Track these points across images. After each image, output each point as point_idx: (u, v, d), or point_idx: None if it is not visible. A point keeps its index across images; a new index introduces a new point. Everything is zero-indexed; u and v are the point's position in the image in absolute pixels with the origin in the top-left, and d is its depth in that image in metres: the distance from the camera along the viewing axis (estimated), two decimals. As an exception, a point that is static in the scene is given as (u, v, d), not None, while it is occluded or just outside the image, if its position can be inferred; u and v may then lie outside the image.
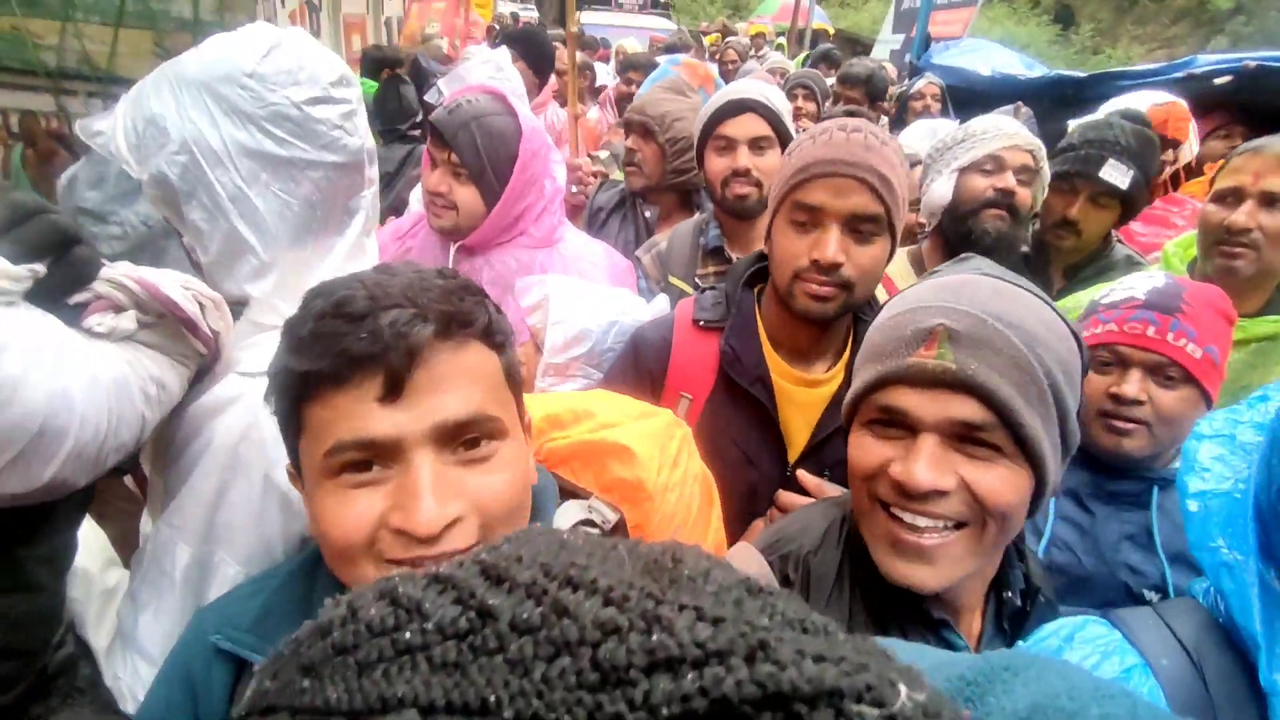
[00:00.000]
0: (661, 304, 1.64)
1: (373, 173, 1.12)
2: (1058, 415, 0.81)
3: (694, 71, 2.81)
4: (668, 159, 2.23)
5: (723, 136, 1.90)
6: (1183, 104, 2.79)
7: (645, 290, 1.92)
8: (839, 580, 0.94)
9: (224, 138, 0.96)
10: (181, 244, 1.07)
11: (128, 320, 0.85)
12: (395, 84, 4.00)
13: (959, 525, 0.81)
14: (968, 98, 3.86)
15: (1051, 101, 3.65)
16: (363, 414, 0.64)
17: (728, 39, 10.06)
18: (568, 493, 0.90)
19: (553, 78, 4.04)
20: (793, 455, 1.32)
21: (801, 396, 1.32)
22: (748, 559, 0.97)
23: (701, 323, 1.37)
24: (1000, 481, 0.79)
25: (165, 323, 0.89)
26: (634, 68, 4.14)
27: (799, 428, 1.33)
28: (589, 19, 12.80)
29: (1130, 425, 1.23)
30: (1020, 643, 0.90)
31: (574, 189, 2.30)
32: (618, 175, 2.80)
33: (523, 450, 0.74)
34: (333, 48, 4.86)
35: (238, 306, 1.04)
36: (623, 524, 0.91)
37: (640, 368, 1.40)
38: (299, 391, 0.67)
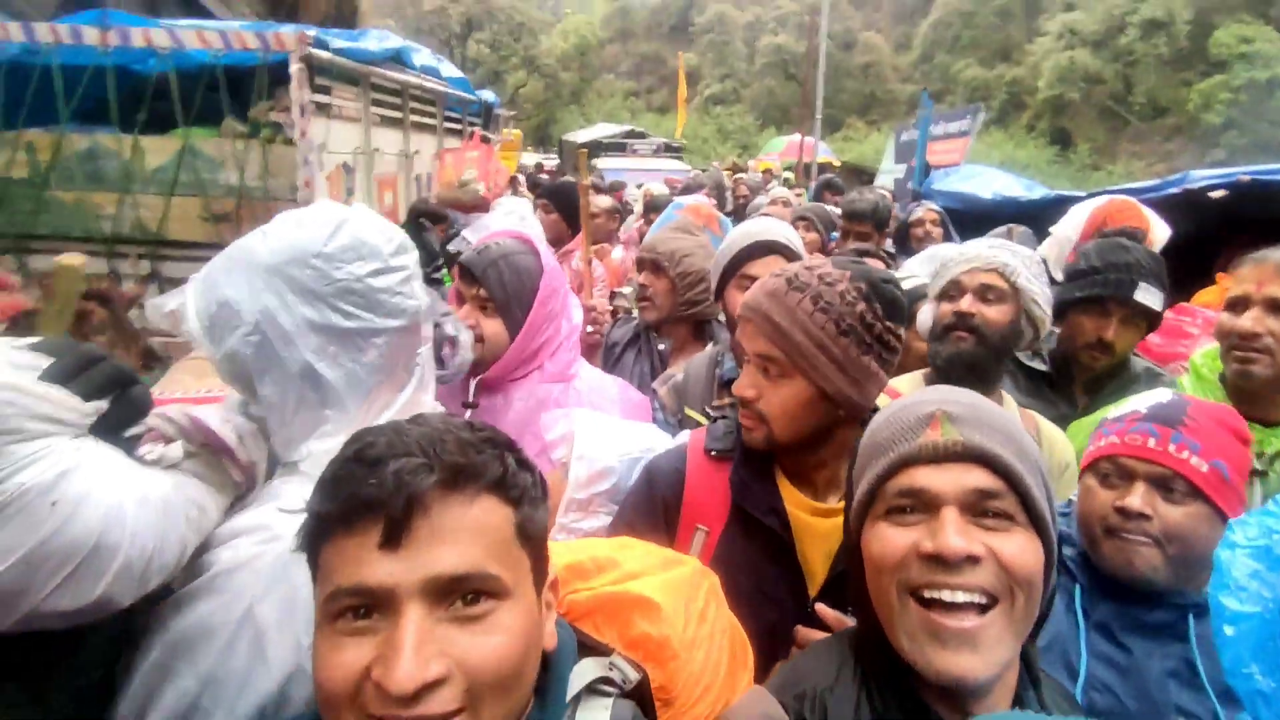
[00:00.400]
0: (684, 440, 1.64)
1: (428, 330, 1.19)
2: (1047, 499, 0.88)
3: (698, 212, 3.00)
4: (679, 292, 2.32)
5: (748, 275, 2.00)
6: (1121, 198, 3.01)
7: (662, 423, 1.92)
8: (857, 715, 0.91)
9: (294, 317, 1.02)
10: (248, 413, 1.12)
11: (175, 450, 0.95)
12: (419, 230, 4.35)
13: (991, 601, 0.83)
14: (972, 220, 3.98)
15: (1053, 221, 3.75)
16: (363, 560, 0.64)
17: (737, 175, 10.69)
18: (588, 649, 0.85)
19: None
20: (813, 589, 1.27)
21: (818, 527, 1.28)
22: (760, 702, 0.93)
23: (713, 452, 1.37)
24: (1021, 549, 0.83)
25: (206, 452, 0.99)
26: (655, 209, 4.42)
27: (817, 560, 1.28)
28: (607, 164, 13.74)
29: (1138, 540, 1.17)
30: None
31: (589, 329, 2.38)
32: None
33: (528, 613, 0.70)
34: (366, 202, 5.24)
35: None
36: (645, 684, 0.86)
37: (654, 498, 1.37)
38: (316, 533, 0.68)
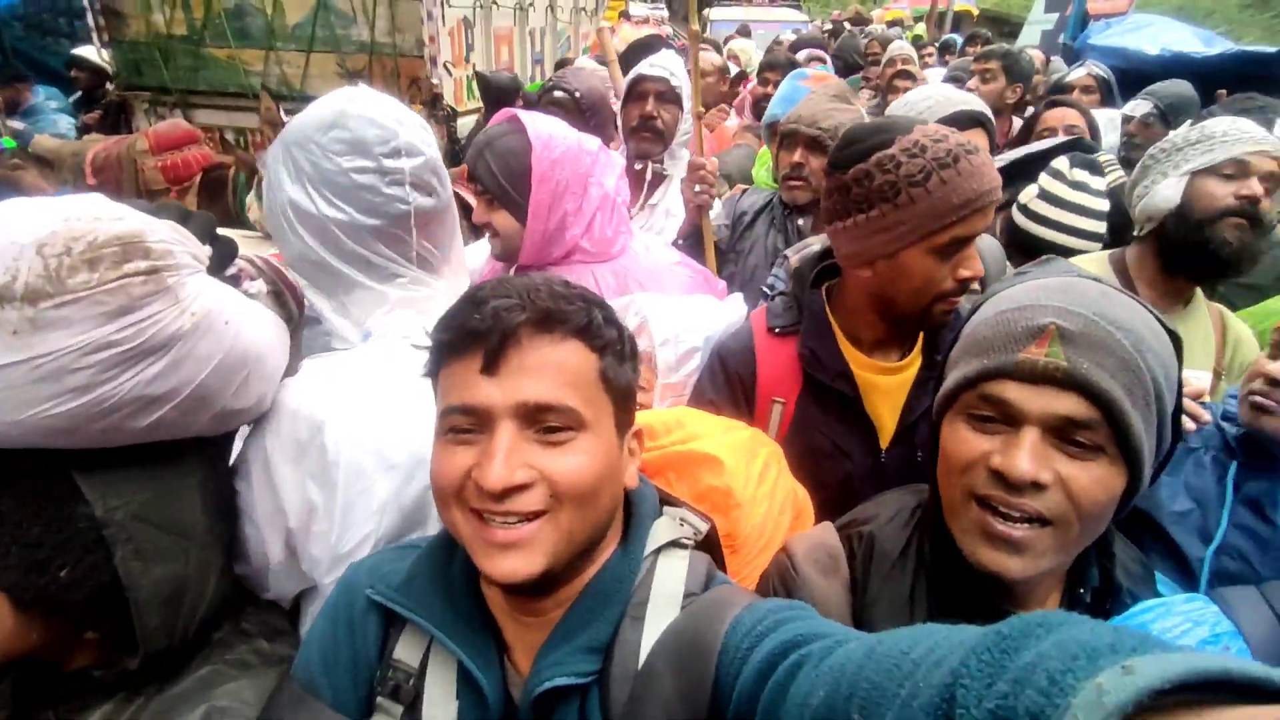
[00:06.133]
0: (737, 302, 1.63)
1: (430, 231, 1.19)
2: (1157, 418, 0.83)
3: (826, 82, 2.73)
4: None
5: None
6: None
7: (782, 286, 1.87)
8: (903, 559, 0.97)
9: (289, 196, 1.12)
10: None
11: (261, 285, 1.12)
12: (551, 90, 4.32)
13: (1048, 522, 0.82)
14: (1134, 82, 3.56)
15: (1235, 83, 3.33)
16: (469, 383, 0.74)
17: (862, 29, 9.78)
18: (664, 502, 0.92)
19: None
20: (884, 441, 1.36)
21: (884, 384, 1.35)
22: (822, 533, 1.03)
23: (776, 329, 1.42)
24: (1096, 481, 0.80)
25: (277, 289, 1.17)
26: (771, 68, 4.12)
27: (886, 414, 1.36)
28: (720, 14, 12.80)
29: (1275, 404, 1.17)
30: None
31: (696, 188, 2.16)
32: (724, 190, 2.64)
33: (607, 447, 0.78)
34: (483, 57, 5.25)
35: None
36: (714, 533, 0.91)
37: (730, 377, 1.43)
38: (436, 360, 0.79)
